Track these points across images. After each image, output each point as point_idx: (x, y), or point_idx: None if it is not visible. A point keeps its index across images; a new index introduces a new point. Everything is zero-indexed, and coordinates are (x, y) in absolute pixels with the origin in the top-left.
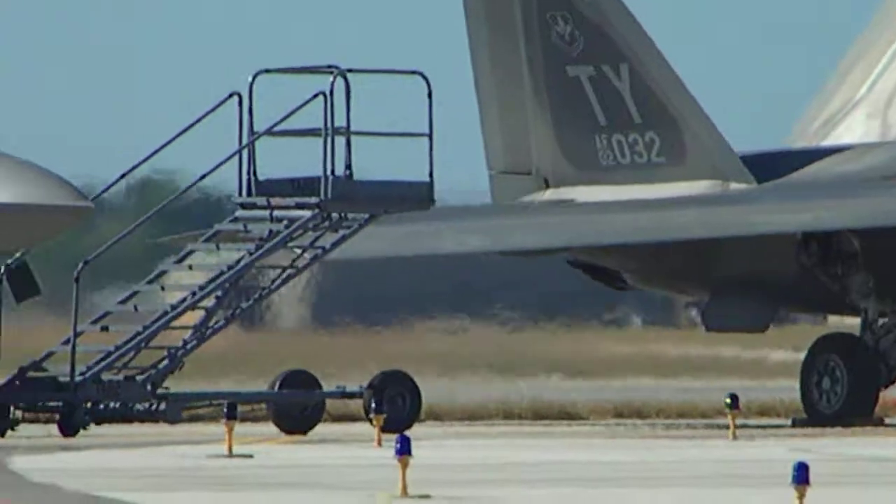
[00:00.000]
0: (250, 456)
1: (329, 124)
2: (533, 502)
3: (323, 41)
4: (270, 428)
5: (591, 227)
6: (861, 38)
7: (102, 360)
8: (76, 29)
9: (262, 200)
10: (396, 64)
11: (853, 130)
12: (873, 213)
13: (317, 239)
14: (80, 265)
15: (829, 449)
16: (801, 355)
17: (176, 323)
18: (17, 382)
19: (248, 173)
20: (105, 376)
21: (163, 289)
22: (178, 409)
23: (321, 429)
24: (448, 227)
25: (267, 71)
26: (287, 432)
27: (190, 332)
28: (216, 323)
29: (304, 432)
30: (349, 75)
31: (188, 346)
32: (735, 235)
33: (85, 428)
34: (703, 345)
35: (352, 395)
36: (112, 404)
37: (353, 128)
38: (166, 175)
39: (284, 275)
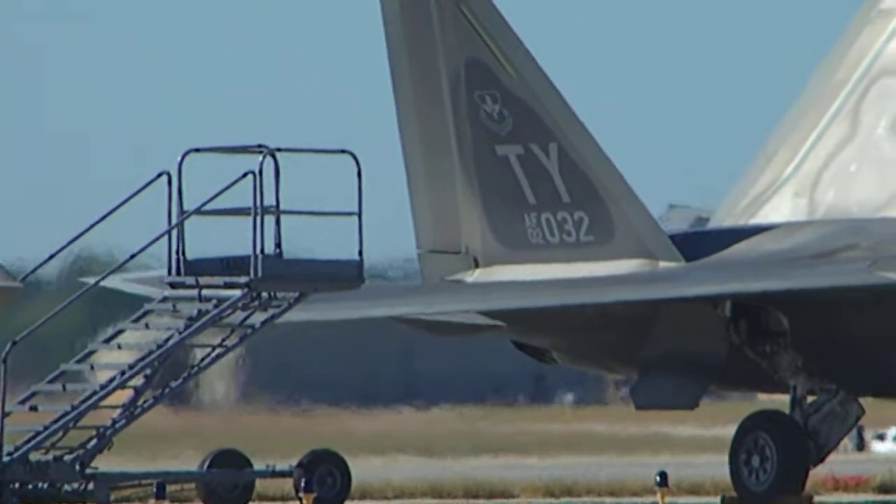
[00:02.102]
0: None
1: (258, 203)
2: None
3: (252, 120)
4: None
5: (517, 293)
6: (787, 118)
7: (31, 440)
8: (5, 108)
9: (191, 280)
10: (325, 142)
11: (780, 209)
12: (800, 288)
13: (246, 318)
14: (9, 346)
15: None
16: (731, 432)
17: (105, 402)
18: None
19: (178, 252)
20: (33, 456)
21: (92, 368)
22: (107, 490)
23: None
24: (376, 298)
25: (196, 150)
26: None
27: (119, 411)
28: (145, 402)
29: None
30: (278, 154)
31: (117, 426)
32: (661, 299)
33: None
34: (634, 422)
35: (282, 475)
36: (40, 485)
37: (282, 206)
38: (96, 255)
39: (214, 354)
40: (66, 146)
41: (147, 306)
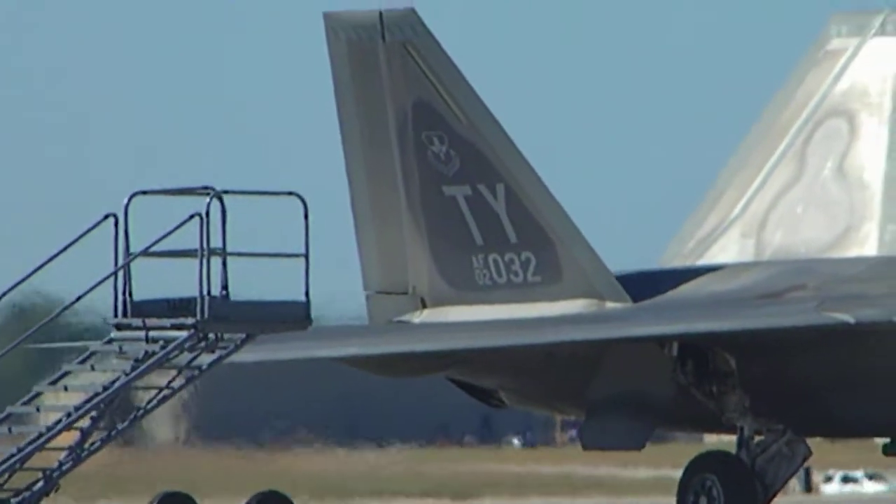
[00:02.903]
0: None
1: (205, 245)
2: None
3: (198, 162)
4: None
5: (464, 334)
6: (734, 159)
7: None
8: None
9: (137, 321)
10: (272, 184)
11: (727, 250)
12: (749, 325)
13: (193, 359)
14: None
15: None
16: (678, 474)
17: (51, 444)
18: None
19: (124, 294)
20: None
21: (38, 410)
22: None
23: None
24: (324, 339)
25: (143, 192)
26: None
27: (66, 452)
28: (92, 444)
29: None
30: (225, 196)
31: (64, 467)
32: (608, 339)
33: None
34: (582, 463)
35: None
36: None
37: (229, 248)
38: (41, 298)
39: (161, 395)
40: (6, 190)
41: (92, 347)
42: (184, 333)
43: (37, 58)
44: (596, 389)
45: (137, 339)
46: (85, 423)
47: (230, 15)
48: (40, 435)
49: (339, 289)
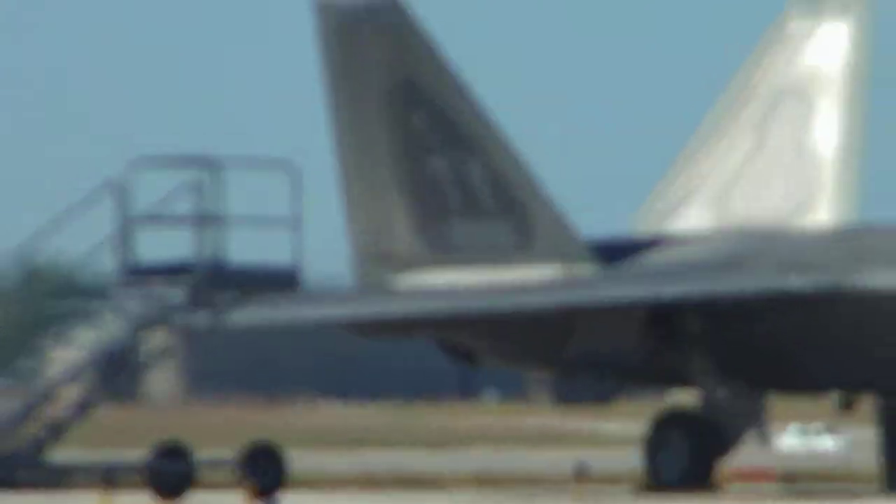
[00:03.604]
0: None
1: (200, 211)
2: None
3: (197, 133)
4: (146, 494)
5: (443, 298)
6: (699, 133)
7: None
8: None
9: (138, 283)
10: (265, 153)
11: (693, 219)
12: (712, 292)
13: (189, 318)
14: None
15: None
16: (644, 428)
17: (58, 396)
18: None
19: (125, 258)
20: None
21: (45, 365)
22: (60, 477)
23: (195, 496)
24: (312, 302)
25: (141, 160)
26: (162, 498)
27: (71, 405)
28: (95, 397)
29: (179, 498)
30: (220, 166)
31: (69, 419)
32: (579, 303)
33: None
34: (555, 417)
35: (223, 464)
36: None
37: (224, 215)
38: (49, 259)
39: (158, 351)
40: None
41: (96, 306)
42: (180, 294)
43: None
44: (568, 350)
45: (138, 300)
46: (87, 377)
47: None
48: (47, 387)
49: (327, 253)
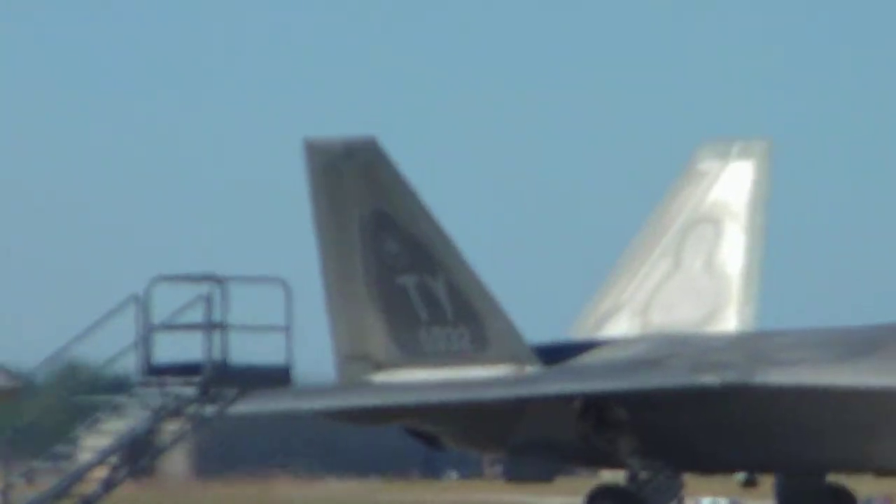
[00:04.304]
0: None
1: (209, 321)
2: None
3: (206, 251)
4: None
5: (413, 392)
6: (625, 255)
7: None
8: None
9: (155, 380)
10: (264, 271)
11: (619, 326)
12: (636, 386)
13: (199, 410)
14: (10, 431)
15: None
16: (581, 501)
17: (88, 476)
18: None
19: (146, 358)
20: None
21: (78, 450)
22: None
23: None
24: (301, 395)
25: (161, 278)
26: None
27: (99, 483)
28: (120, 476)
29: None
30: (225, 282)
31: (98, 495)
32: (526, 396)
33: None
34: (506, 492)
35: None
36: None
37: (228, 323)
38: (80, 360)
39: (174, 438)
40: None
41: (120, 400)
42: (192, 390)
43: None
44: (516, 434)
45: (156, 394)
46: (114, 459)
47: (229, 139)
48: (79, 469)
49: (316, 355)
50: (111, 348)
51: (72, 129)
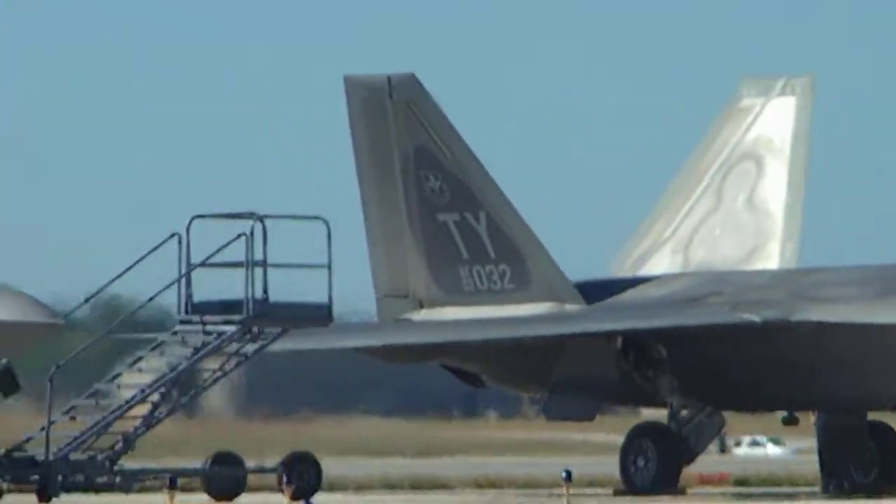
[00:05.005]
0: None
1: (250, 258)
2: None
3: (246, 191)
4: (204, 497)
5: (454, 330)
6: (666, 192)
7: (71, 443)
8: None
9: (196, 318)
10: (304, 210)
11: (661, 264)
12: (677, 323)
13: (240, 348)
14: (53, 368)
15: None
16: (621, 439)
17: (129, 413)
18: (4, 461)
19: (186, 296)
20: (73, 456)
21: (119, 387)
22: (131, 482)
23: (244, 498)
24: (343, 333)
25: (201, 216)
26: (217, 500)
27: (140, 420)
28: (160, 413)
29: (231, 500)
30: (266, 219)
31: (139, 432)
32: (567, 334)
33: (57, 496)
34: (545, 431)
35: (268, 471)
36: (79, 478)
37: (269, 261)
38: (122, 298)
39: (215, 376)
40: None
41: (161, 338)
42: (233, 328)
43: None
44: (557, 373)
45: (197, 332)
46: (155, 397)
47: (278, 79)
48: (120, 407)
49: (355, 293)
50: (152, 287)
51: (111, 66)
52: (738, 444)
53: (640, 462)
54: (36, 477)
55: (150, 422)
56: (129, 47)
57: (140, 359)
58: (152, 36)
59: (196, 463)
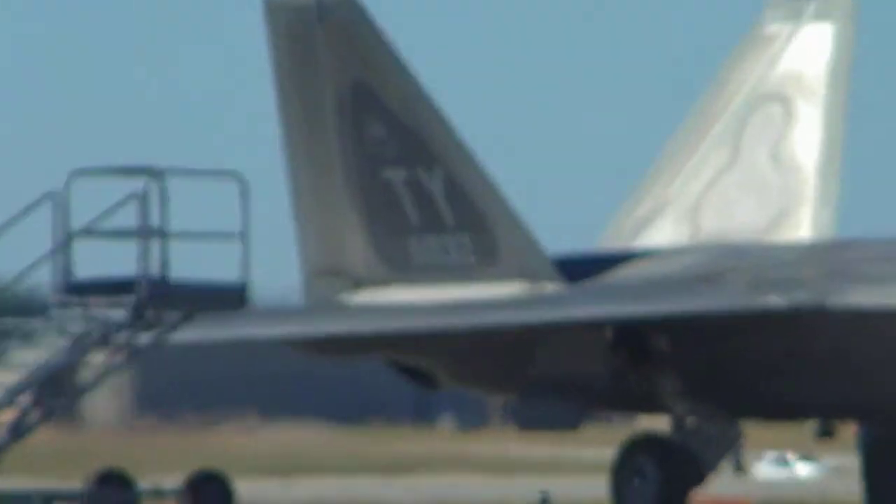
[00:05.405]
0: None
1: (144, 225)
2: None
3: (137, 142)
4: None
5: (400, 315)
6: (670, 143)
7: None
8: None
9: (77, 300)
10: (212, 163)
11: (663, 233)
12: (682, 309)
13: (132, 338)
14: None
15: None
16: (613, 454)
17: None
18: None
19: (64, 273)
20: None
21: None
22: None
23: None
24: (261, 319)
25: (82, 172)
26: None
27: (5, 429)
28: (31, 420)
29: None
30: (165, 177)
31: (4, 444)
32: (543, 322)
33: None
34: (516, 443)
35: (167, 494)
36: None
37: (168, 229)
38: None
39: (99, 374)
40: None
41: (33, 325)
42: (123, 313)
43: None
44: (531, 370)
45: (77, 318)
46: (24, 400)
47: None
48: None
49: (277, 269)
50: (22, 260)
51: None
52: (758, 461)
53: (637, 483)
54: None
55: (18, 430)
56: None
57: (6, 351)
58: None
59: (76, 483)
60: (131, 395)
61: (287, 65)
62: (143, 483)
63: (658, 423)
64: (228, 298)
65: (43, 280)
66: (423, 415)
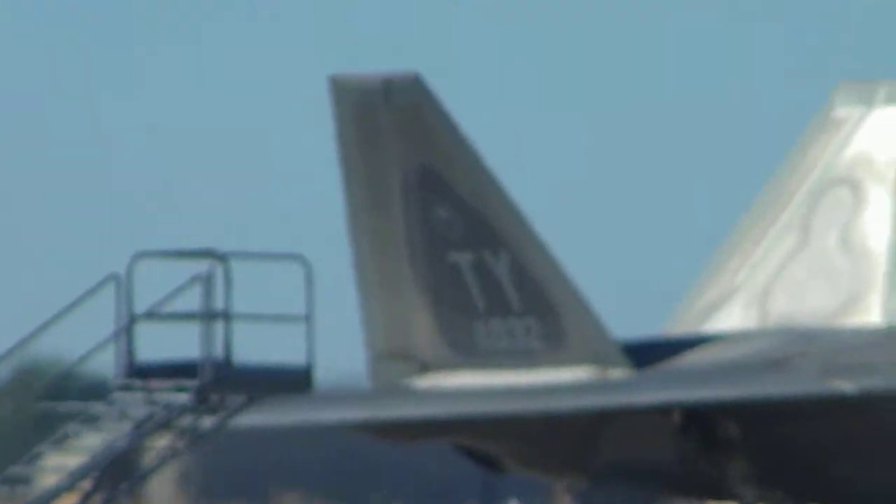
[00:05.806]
0: None
1: (208, 308)
2: None
3: (201, 225)
4: None
5: (467, 400)
6: (738, 227)
7: None
8: None
9: (139, 383)
10: (276, 249)
11: (731, 318)
12: (751, 393)
13: (195, 422)
14: None
15: None
16: None
17: None
18: None
19: (127, 356)
20: None
21: (40, 471)
22: None
23: None
24: (326, 403)
25: (146, 254)
26: None
27: None
28: None
29: None
30: (228, 259)
31: None
32: (610, 407)
33: None
34: None
35: None
36: None
37: (232, 311)
38: (45, 358)
39: (162, 457)
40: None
41: (95, 409)
42: (186, 396)
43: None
44: (599, 456)
45: (139, 402)
46: (86, 484)
47: (234, 73)
48: (42, 496)
49: (342, 353)
50: (84, 343)
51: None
52: None
53: None
54: None
55: None
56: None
57: (67, 435)
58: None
59: None
60: (195, 480)
61: (352, 144)
62: None
63: None
64: (292, 382)
65: (106, 363)
66: (489, 500)
